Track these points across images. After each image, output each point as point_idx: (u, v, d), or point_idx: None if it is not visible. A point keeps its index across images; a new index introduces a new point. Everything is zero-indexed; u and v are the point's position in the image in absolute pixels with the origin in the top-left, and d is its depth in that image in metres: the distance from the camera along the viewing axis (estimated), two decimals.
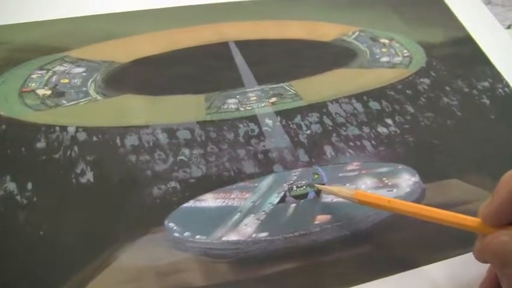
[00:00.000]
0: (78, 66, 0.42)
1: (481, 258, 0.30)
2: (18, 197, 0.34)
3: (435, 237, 0.36)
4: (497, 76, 0.48)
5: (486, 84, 0.47)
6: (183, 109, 0.41)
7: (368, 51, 0.48)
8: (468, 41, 0.50)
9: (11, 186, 0.35)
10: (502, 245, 0.28)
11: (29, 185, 0.35)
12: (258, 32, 0.47)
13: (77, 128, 0.38)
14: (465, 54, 0.49)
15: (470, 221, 0.31)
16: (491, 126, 0.44)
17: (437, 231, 0.36)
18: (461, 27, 0.51)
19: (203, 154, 0.38)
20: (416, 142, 0.42)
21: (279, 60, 0.46)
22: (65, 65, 0.42)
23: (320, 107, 0.42)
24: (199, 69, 0.44)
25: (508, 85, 0.47)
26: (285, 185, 0.38)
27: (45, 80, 0.41)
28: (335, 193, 0.36)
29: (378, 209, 0.35)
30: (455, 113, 0.44)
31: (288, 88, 0.44)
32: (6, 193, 0.34)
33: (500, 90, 0.47)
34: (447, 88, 0.46)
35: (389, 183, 0.39)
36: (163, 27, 0.46)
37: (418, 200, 0.38)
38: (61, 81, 0.41)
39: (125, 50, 0.44)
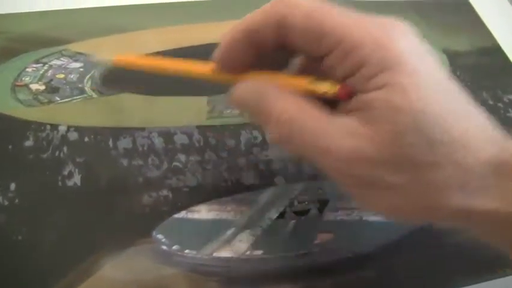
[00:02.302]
0: (76, 60, 0.40)
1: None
2: None
3: (444, 263, 0.34)
4: None
5: None
6: (183, 112, 0.38)
7: None
8: (496, 50, 0.47)
9: None
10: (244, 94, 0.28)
11: (12, 186, 0.33)
12: None
13: (69, 127, 0.36)
14: (492, 64, 0.46)
15: (201, 67, 0.29)
16: None
17: (446, 257, 0.34)
18: (489, 36, 0.48)
19: (200, 161, 0.36)
20: None
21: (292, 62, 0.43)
22: (62, 59, 0.40)
23: None
24: None
25: None
26: (286, 199, 0.35)
27: (41, 74, 0.38)
28: None
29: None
30: None
31: None
32: None
33: None
34: None
35: None
36: (168, 23, 0.43)
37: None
38: (57, 76, 0.39)
39: (127, 46, 0.41)
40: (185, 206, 0.34)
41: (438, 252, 0.34)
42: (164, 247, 0.32)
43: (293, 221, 0.34)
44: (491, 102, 0.43)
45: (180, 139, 0.36)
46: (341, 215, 0.35)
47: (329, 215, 0.35)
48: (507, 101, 0.43)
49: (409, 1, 0.50)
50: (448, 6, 0.51)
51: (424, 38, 0.46)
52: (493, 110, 0.42)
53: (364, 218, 0.35)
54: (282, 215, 0.34)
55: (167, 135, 0.37)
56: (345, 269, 0.33)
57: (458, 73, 0.44)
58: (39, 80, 0.38)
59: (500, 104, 0.43)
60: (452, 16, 0.49)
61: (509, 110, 0.43)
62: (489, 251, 0.26)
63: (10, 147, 0.34)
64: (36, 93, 0.37)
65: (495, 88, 0.44)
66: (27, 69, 0.39)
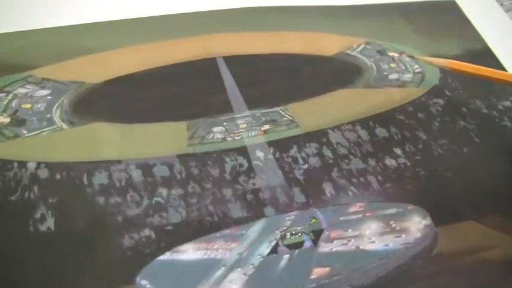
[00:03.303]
0: (43, 88, 0.37)
1: None
2: None
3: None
4: None
5: (507, 103, 0.42)
6: (161, 140, 0.35)
7: (374, 67, 0.43)
8: (486, 53, 0.45)
9: None
10: None
11: None
12: (249, 46, 0.42)
13: (38, 163, 0.33)
14: None
15: None
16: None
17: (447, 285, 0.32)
18: (478, 38, 0.46)
19: (183, 195, 0.33)
20: (428, 176, 0.36)
21: (274, 79, 0.40)
22: (28, 86, 0.37)
23: (319, 136, 0.37)
24: (182, 90, 0.38)
25: None
26: (277, 231, 0.33)
27: (5, 104, 0.35)
28: (429, 62, 0.38)
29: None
30: (472, 139, 0.39)
31: (283, 113, 0.38)
32: None
33: None
34: (463, 109, 0.41)
35: (397, 228, 0.34)
36: (141, 41, 0.40)
37: (429, 247, 0.33)
38: (22, 106, 0.36)
39: (97, 68, 0.38)
40: (169, 246, 0.31)
41: (440, 280, 0.32)
42: None
43: (287, 256, 0.32)
44: (485, 111, 0.41)
45: (160, 171, 0.34)
46: (336, 246, 0.33)
47: (324, 247, 0.32)
48: (502, 108, 0.41)
49: (394, 3, 0.48)
50: (434, 7, 0.49)
51: (412, 45, 0.45)
52: (488, 119, 0.40)
53: (361, 247, 0.33)
54: (274, 250, 0.32)
55: (145, 167, 0.34)
56: None
57: (449, 81, 0.42)
58: (4, 111, 0.35)
59: (494, 112, 0.41)
60: (438, 18, 0.47)
61: (505, 118, 0.41)
62: None
63: None
64: (0, 127, 0.34)
65: (488, 95, 0.42)
66: None
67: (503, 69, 0.44)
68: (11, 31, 0.39)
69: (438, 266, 0.32)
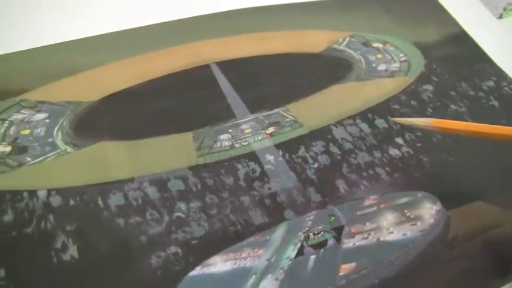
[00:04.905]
0: (39, 111, 0.35)
1: None
2: None
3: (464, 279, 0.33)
4: (499, 73, 0.44)
5: (491, 83, 0.43)
6: (170, 153, 0.35)
7: (363, 60, 0.43)
8: (463, 36, 0.46)
9: None
10: None
11: (1, 272, 0.29)
12: (238, 49, 0.42)
13: (49, 191, 0.32)
14: (463, 52, 0.45)
15: None
16: None
17: (462, 274, 0.33)
18: (454, 22, 0.47)
19: (202, 207, 0.33)
20: (432, 162, 0.37)
21: (269, 81, 0.40)
22: (23, 111, 0.35)
23: (323, 133, 0.37)
24: (181, 101, 0.38)
25: None
26: (300, 233, 0.33)
27: (2, 133, 0.34)
28: (410, 122, 0.35)
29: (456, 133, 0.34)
30: (466, 121, 0.40)
31: (285, 114, 0.38)
32: None
33: (507, 88, 0.43)
34: (452, 93, 0.42)
35: (412, 216, 0.34)
36: (132, 53, 0.39)
37: (444, 232, 0.34)
38: (21, 132, 0.34)
39: (90, 86, 0.37)
40: (198, 261, 0.31)
41: (459, 268, 0.33)
42: None
43: (313, 256, 0.32)
44: (472, 93, 0.42)
45: (175, 185, 0.33)
46: (358, 240, 0.33)
47: (347, 243, 0.33)
48: (486, 89, 0.43)
49: None
50: None
51: (394, 34, 0.46)
52: (476, 101, 0.42)
53: (381, 239, 0.33)
54: (300, 252, 0.32)
55: (160, 182, 0.33)
56: None
57: (434, 66, 0.43)
58: (2, 140, 0.34)
59: (481, 93, 0.42)
60: (414, 6, 0.48)
61: (491, 98, 0.42)
62: None
63: None
64: (2, 157, 0.33)
65: (472, 77, 0.43)
66: None
67: (481, 51, 0.45)
68: None
69: (456, 248, 0.33)
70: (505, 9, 0.49)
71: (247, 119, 0.38)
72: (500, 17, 0.49)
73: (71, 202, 0.32)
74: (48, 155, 0.34)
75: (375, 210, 0.35)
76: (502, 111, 0.41)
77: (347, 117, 0.39)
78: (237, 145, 0.36)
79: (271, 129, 0.37)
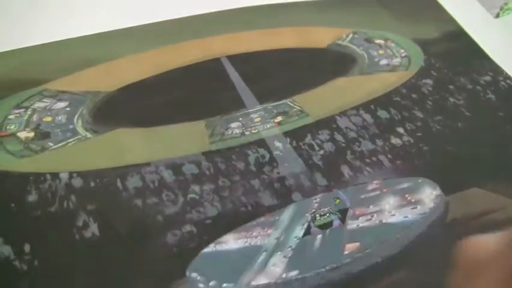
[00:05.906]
0: (60, 100, 0.37)
1: None
2: (16, 263, 0.30)
3: None
4: (496, 68, 0.46)
5: (488, 78, 0.45)
6: (184, 140, 0.37)
7: (365, 55, 0.45)
8: (461, 34, 0.49)
9: (6, 250, 0.30)
10: None
11: (27, 247, 0.30)
12: (248, 44, 0.44)
13: (71, 173, 0.34)
14: (461, 48, 0.47)
15: None
16: (501, 126, 0.42)
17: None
18: (451, 20, 0.49)
19: (215, 189, 0.35)
20: (431, 151, 0.39)
21: (277, 74, 0.42)
22: (45, 100, 0.37)
23: (328, 123, 0.39)
24: (193, 91, 0.40)
25: (509, 77, 0.45)
26: (307, 214, 0.35)
27: (26, 120, 0.36)
28: None
29: None
30: (463, 113, 0.42)
31: (292, 104, 0.40)
32: (1, 259, 0.30)
33: (503, 83, 0.45)
34: (451, 87, 0.44)
35: (412, 200, 0.36)
36: (147, 47, 0.42)
37: (443, 215, 0.36)
38: (44, 119, 0.36)
39: (109, 77, 0.39)
40: (212, 239, 0.33)
41: None
42: (201, 285, 0.31)
43: (320, 235, 0.34)
44: (470, 87, 0.44)
45: (189, 169, 0.35)
46: (362, 222, 0.35)
47: (352, 224, 0.35)
48: (484, 83, 0.45)
49: None
50: None
51: (394, 31, 0.48)
52: (473, 94, 0.44)
53: (384, 221, 0.35)
54: (307, 231, 0.34)
55: (175, 166, 0.35)
56: (376, 275, 0.33)
57: (433, 61, 0.46)
58: (26, 126, 0.36)
59: (478, 87, 0.44)
60: (413, 5, 0.51)
61: (488, 91, 0.44)
62: None
63: (13, 205, 0.32)
64: (26, 142, 0.35)
65: (470, 72, 0.45)
66: (9, 117, 0.36)
67: (478, 47, 0.47)
68: (20, 47, 0.39)
69: (454, 230, 0.35)
70: (501, 8, 0.51)
71: (256, 108, 0.40)
72: (497, 16, 0.51)
73: (92, 184, 0.34)
74: (70, 141, 0.35)
75: (378, 194, 0.36)
76: (498, 104, 0.43)
77: (351, 108, 0.41)
78: (247, 132, 0.38)
79: (279, 118, 0.39)
